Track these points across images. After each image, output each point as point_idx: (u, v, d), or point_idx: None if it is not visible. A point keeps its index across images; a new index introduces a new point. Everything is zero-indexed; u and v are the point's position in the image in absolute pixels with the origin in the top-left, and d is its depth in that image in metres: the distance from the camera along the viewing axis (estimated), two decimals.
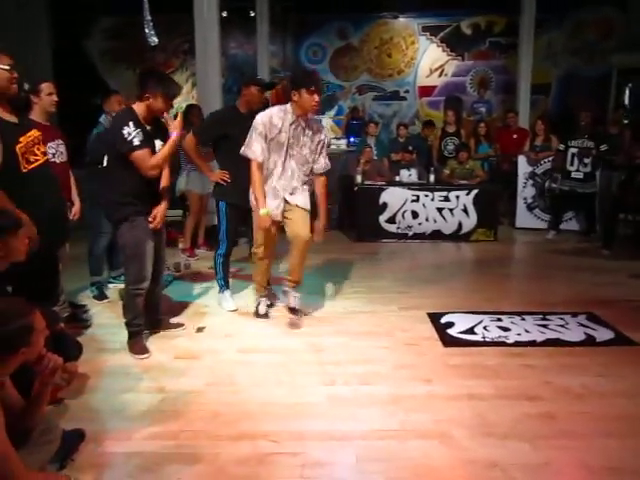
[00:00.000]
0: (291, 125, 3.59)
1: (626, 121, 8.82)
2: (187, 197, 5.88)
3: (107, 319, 3.94)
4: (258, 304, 3.99)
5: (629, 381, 2.98)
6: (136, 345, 3.34)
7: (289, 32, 11.78)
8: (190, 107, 6.01)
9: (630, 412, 2.66)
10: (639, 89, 10.73)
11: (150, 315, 3.54)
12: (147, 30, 8.38)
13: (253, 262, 4.02)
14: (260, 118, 3.56)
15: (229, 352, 3.39)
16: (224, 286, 4.17)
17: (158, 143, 3.23)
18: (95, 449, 2.36)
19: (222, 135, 3.93)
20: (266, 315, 3.96)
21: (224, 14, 10.50)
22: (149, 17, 8.19)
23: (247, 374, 3.08)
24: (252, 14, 10.61)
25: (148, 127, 3.19)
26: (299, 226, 3.68)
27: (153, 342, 3.49)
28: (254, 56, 10.78)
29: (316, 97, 3.50)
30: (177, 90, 3.37)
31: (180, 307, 4.15)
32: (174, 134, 3.20)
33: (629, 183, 6.02)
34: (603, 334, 3.58)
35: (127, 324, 3.36)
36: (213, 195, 4.20)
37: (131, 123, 3.07)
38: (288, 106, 3.59)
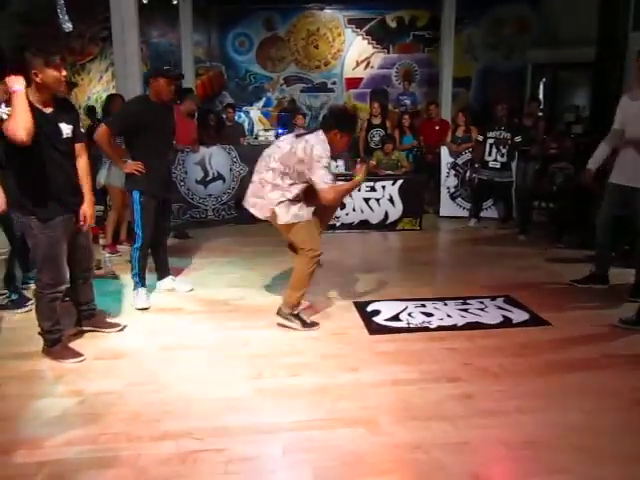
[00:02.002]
0: None
1: (540, 114, 9.30)
2: (108, 191, 5.64)
3: (18, 322, 3.71)
4: (300, 316, 3.62)
5: (542, 359, 3.15)
6: (64, 350, 3.14)
7: (214, 21, 11.55)
8: (111, 97, 5.75)
9: (542, 388, 2.81)
10: (552, 83, 11.34)
11: (80, 308, 3.42)
12: (60, 15, 7.92)
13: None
14: (324, 151, 3.38)
15: (152, 350, 3.29)
16: (139, 283, 4.01)
17: (65, 127, 2.99)
18: (5, 461, 2.22)
19: (136, 125, 3.82)
20: (315, 323, 3.65)
21: (145, 0, 10.17)
22: (62, 1, 7.75)
23: (171, 372, 3.00)
24: (175, 2, 10.28)
25: (48, 110, 2.94)
26: None
27: (71, 343, 3.31)
28: (178, 45, 10.49)
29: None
30: (58, 51, 3.04)
31: (101, 305, 3.97)
32: (15, 88, 2.74)
33: (543, 173, 6.36)
34: (519, 316, 3.76)
35: (46, 332, 3.11)
36: (126, 185, 4.02)
37: (3, 105, 2.80)
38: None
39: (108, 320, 3.61)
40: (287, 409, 2.62)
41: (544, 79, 11.40)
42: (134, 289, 4.04)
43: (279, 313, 3.58)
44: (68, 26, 7.81)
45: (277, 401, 2.69)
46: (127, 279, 4.55)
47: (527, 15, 11.42)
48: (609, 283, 4.34)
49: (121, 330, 3.53)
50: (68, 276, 3.12)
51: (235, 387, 2.83)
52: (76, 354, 3.13)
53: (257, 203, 3.58)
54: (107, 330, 3.50)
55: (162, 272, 4.38)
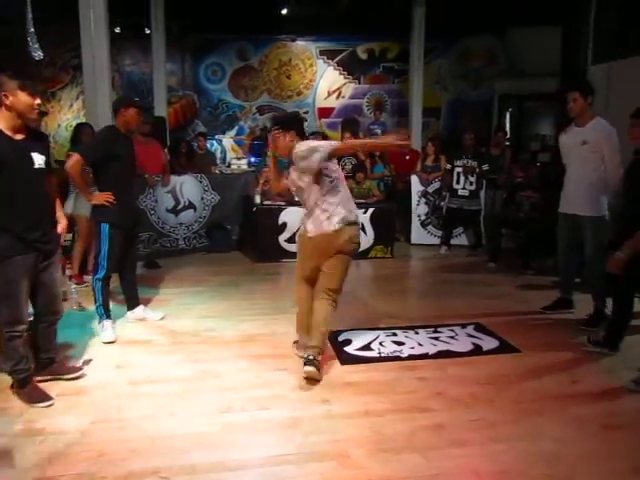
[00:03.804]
0: None
1: (507, 143, 9.56)
2: (75, 221, 5.54)
3: None
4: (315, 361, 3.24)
5: (513, 387, 3.16)
6: (33, 392, 2.98)
7: (187, 50, 11.63)
8: (80, 126, 5.69)
9: (513, 417, 2.82)
10: (518, 113, 11.70)
11: (38, 356, 3.19)
12: (31, 43, 7.87)
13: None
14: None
15: (119, 385, 3.19)
16: (104, 315, 3.92)
17: (37, 157, 2.90)
18: None
19: (107, 155, 3.80)
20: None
21: (117, 30, 10.20)
22: (32, 29, 7.71)
23: (138, 407, 2.92)
24: (147, 31, 10.33)
25: (19, 137, 2.84)
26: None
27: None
28: (150, 73, 10.50)
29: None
30: (39, 82, 2.98)
31: (67, 338, 3.86)
32: None
33: (510, 201, 6.49)
34: (489, 343, 3.79)
35: (10, 373, 2.97)
36: (93, 216, 3.95)
37: None
38: None
39: (68, 365, 3.37)
40: (256, 444, 2.56)
41: (510, 109, 11.76)
42: (99, 322, 3.94)
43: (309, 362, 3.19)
44: (39, 54, 7.75)
45: (246, 436, 2.63)
46: (93, 311, 4.44)
47: (494, 47, 11.82)
48: (574, 307, 4.42)
49: (80, 377, 3.27)
50: (26, 316, 2.98)
51: (203, 422, 2.76)
52: (44, 397, 2.97)
53: None
54: (67, 376, 3.25)
55: (132, 302, 4.30)
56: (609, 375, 3.32)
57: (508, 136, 10.82)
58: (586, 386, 3.18)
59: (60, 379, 3.23)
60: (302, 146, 3.29)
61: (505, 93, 11.52)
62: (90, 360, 3.50)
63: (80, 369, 3.33)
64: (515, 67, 11.29)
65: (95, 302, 3.94)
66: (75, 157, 3.79)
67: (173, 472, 2.33)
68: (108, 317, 3.95)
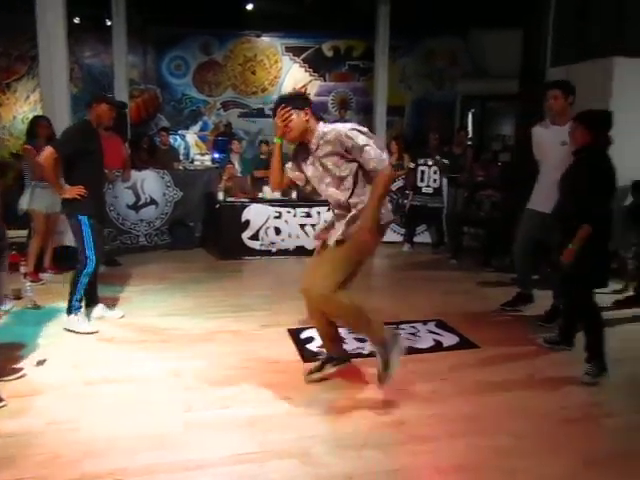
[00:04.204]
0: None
1: (469, 143, 9.72)
2: (32, 217, 5.36)
3: None
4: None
5: (472, 382, 3.22)
6: None
7: (150, 43, 11.41)
8: (37, 118, 5.51)
9: (472, 412, 2.86)
10: (480, 114, 11.91)
11: None
12: None
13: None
14: None
15: (75, 385, 3.10)
16: (80, 308, 3.92)
17: None
18: None
19: (81, 149, 3.84)
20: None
21: (76, 20, 9.92)
22: None
23: (95, 408, 2.84)
24: (108, 22, 10.09)
25: None
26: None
27: None
28: (111, 66, 10.25)
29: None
30: None
31: (21, 337, 3.74)
32: None
33: (471, 199, 6.61)
34: (449, 339, 3.85)
35: None
36: (70, 211, 3.91)
37: None
38: None
39: (11, 367, 3.24)
40: (217, 443, 2.53)
41: (473, 109, 11.96)
42: (73, 313, 3.90)
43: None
44: None
45: (207, 435, 2.59)
46: (49, 309, 4.33)
47: (457, 48, 11.99)
48: (534, 301, 4.52)
49: (21, 377, 3.16)
50: None
51: (163, 422, 2.71)
52: None
53: None
54: (6, 378, 3.11)
55: (91, 300, 4.21)
56: (565, 369, 3.41)
57: (470, 136, 11.02)
58: (543, 381, 3.26)
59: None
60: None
61: (468, 94, 11.71)
62: (44, 360, 3.39)
63: (20, 370, 3.22)
64: (477, 68, 11.50)
65: (73, 295, 3.90)
66: (49, 150, 3.78)
67: (128, 474, 2.28)
68: (81, 310, 3.97)
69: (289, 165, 3.03)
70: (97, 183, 4.03)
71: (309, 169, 2.92)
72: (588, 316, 3.40)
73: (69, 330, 3.90)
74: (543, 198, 4.08)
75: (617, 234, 4.14)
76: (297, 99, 2.90)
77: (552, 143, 4.03)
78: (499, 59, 10.26)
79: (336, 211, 2.95)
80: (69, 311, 3.92)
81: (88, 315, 4.12)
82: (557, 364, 3.51)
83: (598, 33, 6.56)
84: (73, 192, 3.83)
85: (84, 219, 3.86)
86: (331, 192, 2.88)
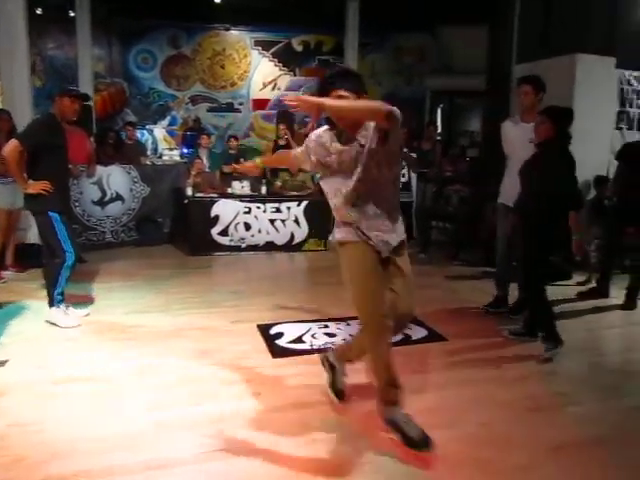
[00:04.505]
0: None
1: (438, 138, 9.81)
2: None
3: None
4: (335, 374, 2.86)
5: (440, 374, 3.26)
6: None
7: (115, 36, 11.17)
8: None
9: (440, 403, 2.90)
10: (449, 109, 12.05)
11: None
12: None
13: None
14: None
15: (39, 385, 3.02)
16: (62, 301, 3.91)
17: None
18: None
19: (46, 143, 3.76)
20: (343, 393, 2.86)
21: (38, 11, 9.65)
22: None
23: (60, 408, 2.78)
24: (72, 13, 9.84)
25: None
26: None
27: None
28: (76, 59, 10.01)
29: None
30: None
31: None
32: None
33: (440, 194, 6.68)
34: (418, 333, 3.88)
35: None
36: (37, 208, 3.85)
37: None
38: None
39: None
40: (184, 441, 2.50)
41: (441, 105, 12.08)
42: (56, 306, 3.89)
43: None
44: None
45: (174, 434, 2.56)
46: (11, 307, 4.22)
47: (426, 45, 12.09)
48: (508, 303, 4.56)
49: None
50: None
51: (130, 421, 2.66)
52: None
53: None
54: None
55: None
56: (529, 360, 3.49)
57: (439, 131, 11.14)
58: (509, 371, 3.33)
59: None
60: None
61: (437, 89, 11.83)
62: (6, 361, 3.29)
63: None
64: (446, 64, 11.62)
65: (54, 289, 3.89)
66: (13, 143, 3.71)
67: (93, 475, 2.23)
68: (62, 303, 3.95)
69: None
70: (63, 178, 3.95)
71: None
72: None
73: (51, 323, 3.89)
74: (511, 193, 4.11)
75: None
76: (350, 75, 2.47)
77: (520, 140, 4.08)
78: (467, 55, 10.39)
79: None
80: (51, 303, 3.92)
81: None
82: (522, 356, 3.57)
83: (562, 30, 6.69)
84: (37, 187, 3.76)
85: (55, 215, 3.81)
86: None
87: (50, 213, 3.80)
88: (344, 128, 2.39)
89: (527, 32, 7.20)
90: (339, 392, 2.84)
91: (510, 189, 4.18)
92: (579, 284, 5.18)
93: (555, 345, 3.48)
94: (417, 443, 2.35)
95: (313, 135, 2.52)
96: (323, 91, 2.34)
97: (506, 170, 4.31)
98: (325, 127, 2.50)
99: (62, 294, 3.94)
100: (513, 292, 4.41)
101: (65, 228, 3.85)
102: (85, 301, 4.48)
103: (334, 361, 2.87)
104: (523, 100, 4.09)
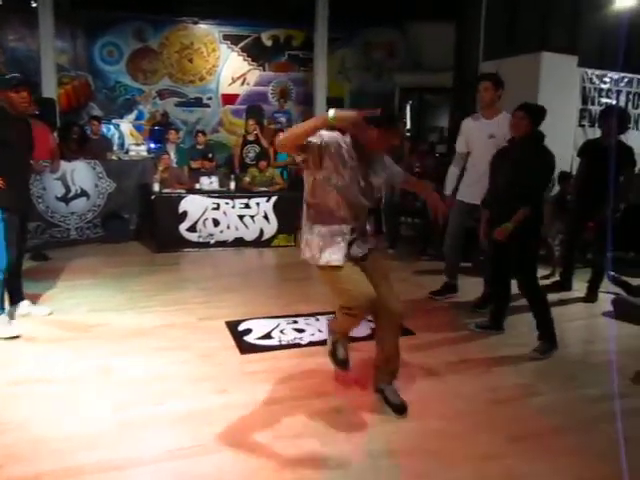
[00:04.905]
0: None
1: (408, 134, 9.89)
2: None
3: None
4: (335, 345, 2.91)
5: (406, 368, 3.26)
6: None
7: (79, 28, 10.89)
8: None
9: (407, 397, 2.90)
10: (418, 106, 12.14)
11: None
12: None
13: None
14: None
15: (0, 386, 2.95)
16: (2, 309, 3.68)
17: None
18: None
19: None
20: (346, 362, 2.93)
21: None
22: None
23: (19, 410, 2.71)
24: (34, 4, 9.56)
25: None
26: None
27: None
28: (38, 51, 9.73)
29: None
30: None
31: None
32: None
33: (408, 190, 6.72)
34: None
35: None
36: None
37: None
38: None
39: None
40: (151, 440, 2.47)
41: (410, 101, 12.16)
42: None
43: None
44: None
45: (140, 433, 2.53)
46: None
47: (395, 40, 12.13)
48: (457, 291, 4.68)
49: None
50: None
51: (92, 422, 2.61)
52: None
53: None
54: None
55: (16, 296, 4.00)
56: (494, 353, 3.56)
57: (408, 127, 11.22)
58: (473, 364, 3.38)
59: None
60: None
61: (405, 86, 11.89)
62: None
63: None
64: (414, 61, 11.69)
65: None
66: None
67: (57, 476, 2.19)
68: (3, 311, 3.72)
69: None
70: (14, 173, 3.65)
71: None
72: (537, 296, 3.62)
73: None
74: (471, 190, 4.26)
75: (545, 222, 4.34)
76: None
77: (480, 136, 4.19)
78: (435, 52, 10.48)
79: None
80: None
81: (12, 313, 3.92)
82: (487, 348, 3.65)
83: (527, 29, 6.81)
84: None
85: None
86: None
87: None
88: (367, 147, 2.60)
89: (493, 30, 7.31)
90: (341, 362, 2.90)
91: (469, 187, 4.30)
92: (543, 278, 5.29)
93: (551, 347, 3.53)
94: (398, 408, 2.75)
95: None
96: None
97: (466, 167, 4.39)
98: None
99: (0, 302, 3.69)
100: (476, 287, 4.49)
101: (5, 229, 3.60)
102: (47, 300, 4.38)
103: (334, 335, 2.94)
104: (484, 96, 4.18)
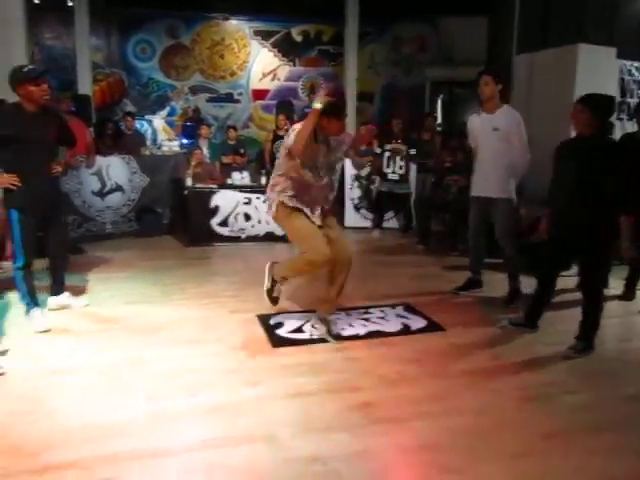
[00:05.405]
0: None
1: (439, 129, 9.78)
2: None
3: None
4: (274, 285, 3.70)
5: (438, 364, 3.27)
6: None
7: (114, 25, 11.10)
8: None
9: (437, 393, 2.91)
10: (449, 100, 11.99)
11: None
12: None
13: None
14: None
15: (37, 375, 3.04)
16: (30, 304, 3.71)
17: None
18: None
19: (5, 136, 3.49)
20: (277, 299, 3.75)
21: (36, 1, 9.58)
22: None
23: (56, 398, 2.79)
24: (70, 3, 9.78)
25: None
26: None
27: None
28: (74, 49, 9.96)
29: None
30: None
31: None
32: None
33: (439, 185, 6.67)
34: (417, 323, 3.89)
35: None
36: (5, 202, 3.67)
37: None
38: None
39: None
40: (183, 430, 2.51)
41: (441, 95, 12.03)
42: (27, 313, 3.72)
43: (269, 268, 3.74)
44: None
45: (173, 423, 2.57)
46: (11, 297, 4.22)
47: (426, 34, 12.01)
48: (482, 286, 4.62)
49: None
50: None
51: (127, 411, 2.67)
52: None
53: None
54: None
55: (56, 288, 4.07)
56: (526, 351, 3.49)
57: (439, 122, 11.09)
58: (505, 361, 3.34)
59: None
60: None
61: (437, 80, 11.76)
62: (7, 350, 3.31)
63: None
64: (446, 55, 11.55)
65: (19, 292, 3.72)
66: None
67: (92, 463, 2.25)
68: (36, 305, 3.75)
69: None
70: (30, 173, 3.56)
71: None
72: (598, 298, 3.49)
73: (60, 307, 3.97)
74: (481, 183, 4.34)
75: None
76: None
77: (484, 130, 4.26)
78: (467, 46, 10.33)
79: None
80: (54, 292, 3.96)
81: (49, 305, 4.03)
82: (520, 345, 3.59)
83: (563, 21, 6.65)
84: (4, 182, 3.54)
85: (14, 214, 3.58)
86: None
87: (10, 211, 3.60)
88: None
89: (528, 22, 7.16)
90: (274, 299, 3.72)
91: (479, 180, 4.37)
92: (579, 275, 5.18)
93: (587, 347, 3.43)
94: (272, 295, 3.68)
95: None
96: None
97: (475, 163, 4.42)
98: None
99: (26, 297, 3.70)
100: (503, 283, 4.42)
101: (21, 230, 3.60)
102: (84, 291, 4.49)
103: (274, 275, 3.69)
104: (484, 90, 4.23)
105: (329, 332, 3.62)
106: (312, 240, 3.40)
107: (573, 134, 3.66)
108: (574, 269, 4.40)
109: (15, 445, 2.37)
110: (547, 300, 3.75)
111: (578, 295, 4.45)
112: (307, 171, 3.41)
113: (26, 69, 3.60)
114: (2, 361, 3.14)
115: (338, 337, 3.59)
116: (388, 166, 6.89)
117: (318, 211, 3.53)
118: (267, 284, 3.69)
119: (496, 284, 4.65)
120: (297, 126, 3.37)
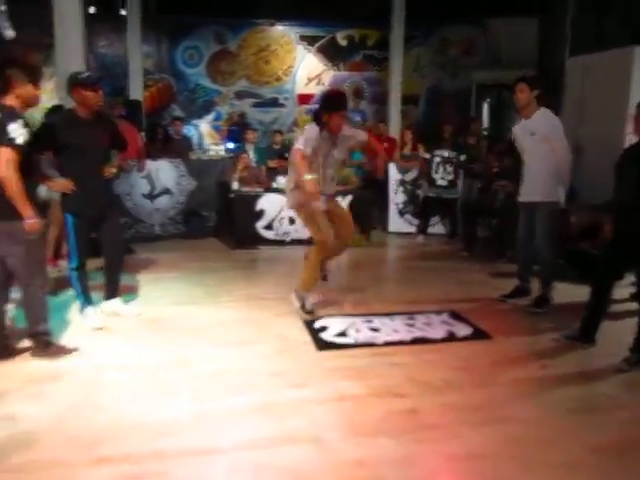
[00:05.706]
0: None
1: (485, 133, 9.63)
2: (49, 205, 5.42)
3: None
4: (304, 300, 4.09)
5: (483, 372, 3.22)
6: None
7: (163, 33, 11.41)
8: (56, 108, 5.55)
9: (483, 401, 2.87)
10: (496, 103, 11.77)
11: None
12: (1, 22, 7.62)
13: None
14: (307, 132, 3.91)
15: (89, 372, 3.15)
16: (85, 302, 3.86)
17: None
18: None
19: (58, 143, 3.59)
20: (313, 311, 4.08)
21: (91, 10, 9.96)
22: (3, 8, 7.48)
23: (108, 394, 2.89)
24: (123, 12, 10.13)
25: None
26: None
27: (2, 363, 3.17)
28: (125, 56, 10.29)
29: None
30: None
31: None
32: None
33: (486, 190, 6.55)
34: (462, 330, 3.84)
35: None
36: (61, 206, 3.81)
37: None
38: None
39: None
40: (229, 430, 2.56)
41: (488, 99, 11.82)
42: (81, 311, 3.88)
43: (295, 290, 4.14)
44: (9, 33, 7.55)
45: (219, 422, 2.63)
46: (66, 296, 4.39)
47: (473, 37, 11.84)
48: (530, 294, 4.50)
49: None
50: None
51: (175, 409, 2.74)
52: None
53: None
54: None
55: (110, 292, 4.12)
56: (576, 362, 3.41)
57: (485, 126, 10.91)
58: (553, 372, 3.26)
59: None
60: (305, 134, 3.91)
61: (483, 83, 11.58)
62: (75, 349, 3.43)
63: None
64: (494, 57, 11.36)
65: (75, 292, 3.88)
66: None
67: (143, 458, 2.33)
68: (90, 304, 3.89)
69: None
70: (85, 179, 3.65)
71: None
72: None
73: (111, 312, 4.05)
74: (526, 189, 4.35)
75: None
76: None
77: (524, 135, 4.29)
78: (515, 48, 10.14)
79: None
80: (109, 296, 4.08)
81: (104, 309, 4.13)
82: (569, 356, 3.49)
83: (617, 22, 6.46)
84: (60, 186, 3.67)
85: (69, 218, 3.70)
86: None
87: (65, 214, 3.73)
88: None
89: (581, 24, 6.99)
90: (310, 312, 4.04)
91: (525, 186, 4.36)
92: (633, 284, 4.99)
93: (637, 362, 3.30)
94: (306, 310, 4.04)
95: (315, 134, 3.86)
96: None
97: (523, 170, 4.40)
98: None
99: (81, 296, 3.85)
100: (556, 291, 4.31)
101: (73, 232, 3.72)
102: (132, 292, 4.63)
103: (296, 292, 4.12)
104: (520, 97, 4.24)
105: (302, 307, 4.04)
106: (321, 223, 3.96)
107: (628, 138, 3.56)
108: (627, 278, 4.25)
109: (71, 437, 2.48)
110: (603, 311, 3.61)
111: (632, 306, 4.34)
112: (313, 165, 3.87)
113: (84, 75, 3.76)
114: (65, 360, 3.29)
115: (310, 312, 4.02)
116: (437, 172, 6.84)
117: (323, 197, 3.98)
118: (296, 304, 4.08)
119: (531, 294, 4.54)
120: (307, 127, 3.95)
